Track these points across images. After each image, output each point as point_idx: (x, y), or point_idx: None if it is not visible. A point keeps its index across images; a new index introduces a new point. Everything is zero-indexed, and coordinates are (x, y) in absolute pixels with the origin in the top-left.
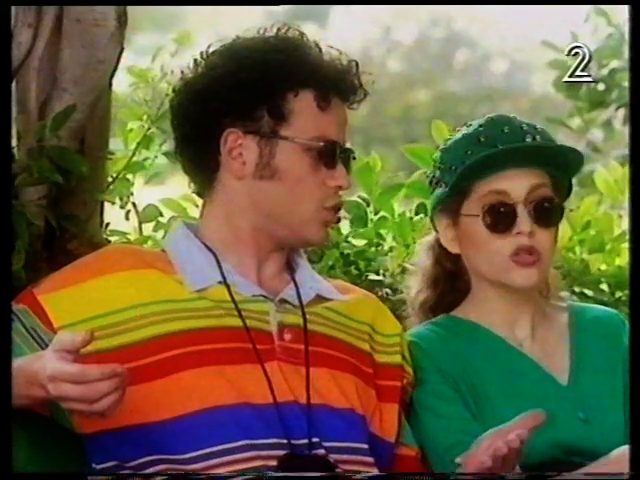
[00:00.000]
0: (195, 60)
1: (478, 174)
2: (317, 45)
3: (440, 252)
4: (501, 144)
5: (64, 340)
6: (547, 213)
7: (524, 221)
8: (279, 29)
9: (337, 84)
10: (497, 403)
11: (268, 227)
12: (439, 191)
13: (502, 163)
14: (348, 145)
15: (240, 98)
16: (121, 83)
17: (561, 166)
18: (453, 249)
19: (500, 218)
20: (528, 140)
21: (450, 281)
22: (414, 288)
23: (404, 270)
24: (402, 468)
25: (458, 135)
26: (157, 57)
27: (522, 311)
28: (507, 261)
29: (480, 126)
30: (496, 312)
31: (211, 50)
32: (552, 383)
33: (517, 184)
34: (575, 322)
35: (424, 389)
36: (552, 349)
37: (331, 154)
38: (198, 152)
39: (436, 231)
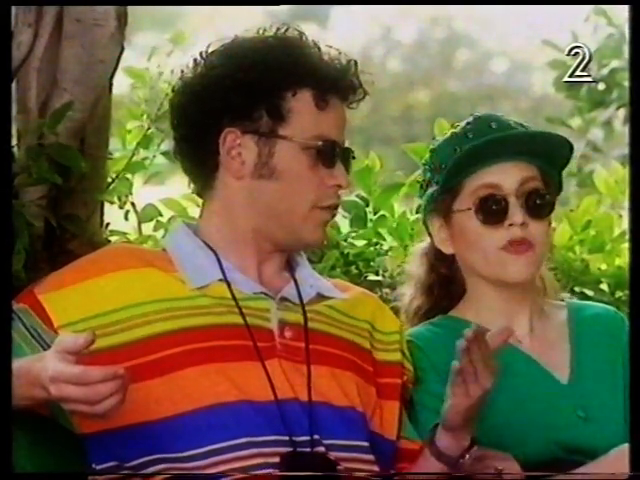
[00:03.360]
0: (195, 60)
1: (467, 169)
2: (316, 45)
3: (434, 258)
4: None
5: (66, 341)
6: (539, 205)
7: (516, 212)
8: (278, 29)
9: (336, 84)
10: (496, 401)
11: (267, 228)
12: (430, 190)
13: (490, 155)
14: (347, 144)
15: (238, 98)
16: (119, 84)
17: (549, 158)
18: (447, 249)
19: (492, 210)
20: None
21: (445, 287)
22: (407, 295)
23: (403, 271)
24: (408, 461)
25: (446, 135)
26: (152, 57)
27: (520, 309)
28: (500, 253)
29: (468, 124)
30: (493, 310)
31: (210, 50)
32: (551, 381)
33: (508, 177)
34: (574, 319)
35: (422, 388)
36: (551, 347)
37: (330, 153)
38: (197, 152)
39: (429, 234)
